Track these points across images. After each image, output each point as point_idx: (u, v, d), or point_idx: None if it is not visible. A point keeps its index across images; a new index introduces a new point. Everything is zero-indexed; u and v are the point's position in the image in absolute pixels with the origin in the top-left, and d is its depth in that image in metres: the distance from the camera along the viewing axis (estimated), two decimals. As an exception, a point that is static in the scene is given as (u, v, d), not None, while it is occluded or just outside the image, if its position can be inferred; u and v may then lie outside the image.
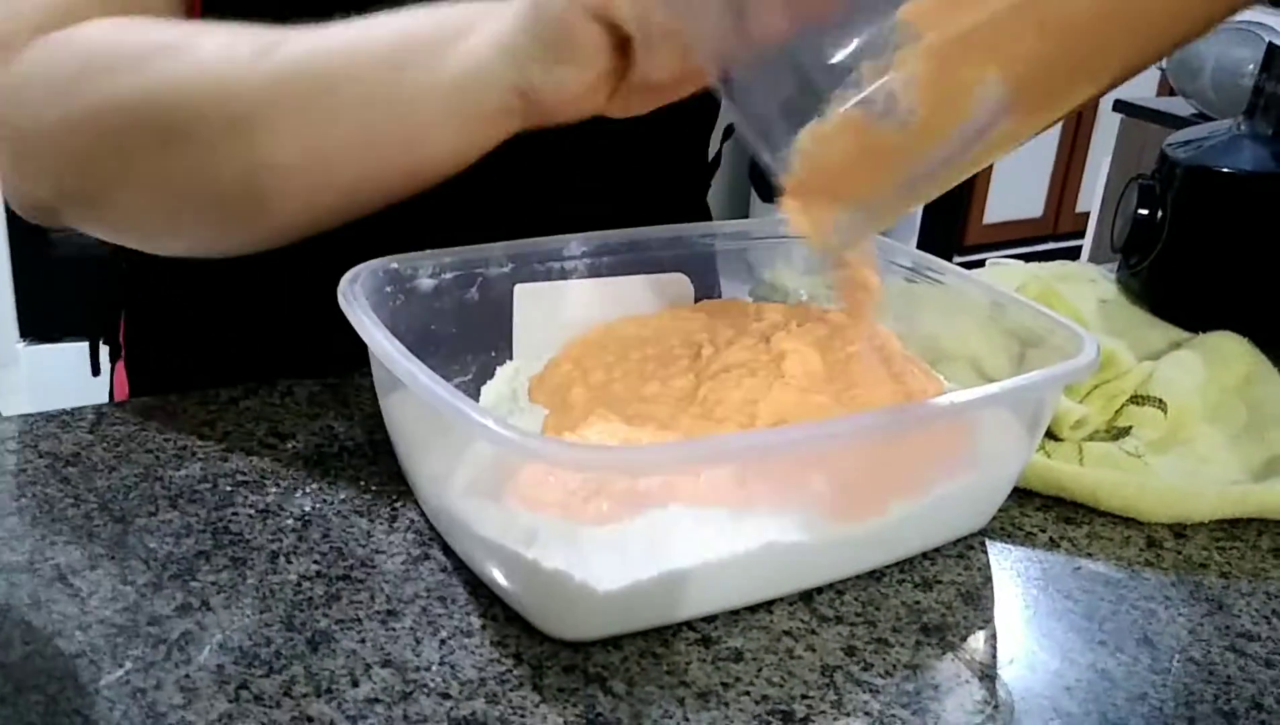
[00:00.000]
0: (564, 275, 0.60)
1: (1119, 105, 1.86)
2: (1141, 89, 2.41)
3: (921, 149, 0.42)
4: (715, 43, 0.44)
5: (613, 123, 0.53)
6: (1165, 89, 1.90)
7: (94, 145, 0.54)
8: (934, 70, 0.40)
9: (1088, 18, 0.40)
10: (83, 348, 2.23)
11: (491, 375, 0.58)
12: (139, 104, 0.53)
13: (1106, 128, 2.23)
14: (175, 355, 0.76)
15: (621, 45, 0.48)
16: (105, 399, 0.75)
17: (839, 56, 0.41)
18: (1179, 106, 1.77)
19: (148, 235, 0.59)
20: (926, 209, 3.35)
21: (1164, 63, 1.56)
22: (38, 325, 2.27)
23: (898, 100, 0.40)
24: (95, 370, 0.78)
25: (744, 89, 0.43)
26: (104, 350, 0.81)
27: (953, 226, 3.41)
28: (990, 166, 3.32)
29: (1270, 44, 0.83)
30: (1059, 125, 3.12)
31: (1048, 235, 3.66)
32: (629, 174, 0.73)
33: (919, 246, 0.62)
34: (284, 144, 0.52)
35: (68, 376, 2.22)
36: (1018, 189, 3.46)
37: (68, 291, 2.19)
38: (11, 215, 2.13)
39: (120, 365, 0.80)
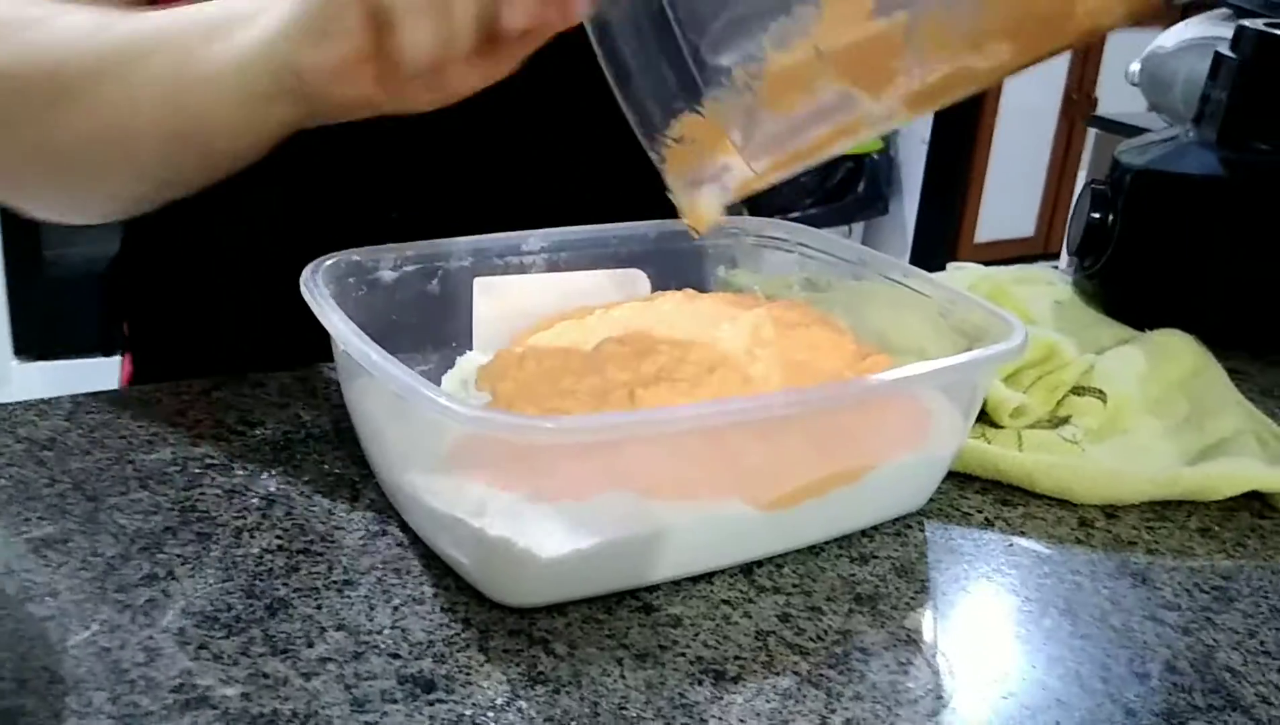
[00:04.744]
0: (523, 269, 0.62)
1: (1093, 120, 1.89)
2: (1127, 104, 2.44)
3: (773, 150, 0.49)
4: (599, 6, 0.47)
5: (609, 141, 0.54)
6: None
7: None
8: (770, 92, 0.46)
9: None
10: (76, 365, 2.24)
11: (452, 365, 0.61)
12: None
13: (1094, 147, 2.26)
14: (173, 351, 0.79)
15: (377, 25, 0.49)
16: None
17: (723, 60, 0.45)
18: (1155, 121, 1.80)
19: (10, 196, 0.63)
20: (917, 228, 3.38)
21: (1136, 78, 1.59)
22: (32, 343, 2.29)
23: (753, 114, 0.46)
24: (109, 352, 0.83)
25: (629, 73, 0.47)
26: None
27: (943, 245, 3.44)
28: (981, 184, 3.34)
29: (1216, 53, 0.86)
30: (1050, 144, 3.15)
31: (1039, 254, 3.68)
32: (623, 195, 0.76)
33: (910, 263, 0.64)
34: (97, 114, 0.56)
35: (61, 394, 2.24)
36: (1009, 208, 3.49)
37: (62, 310, 2.22)
38: (6, 234, 2.16)
39: (127, 358, 0.83)
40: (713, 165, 0.49)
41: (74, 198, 0.63)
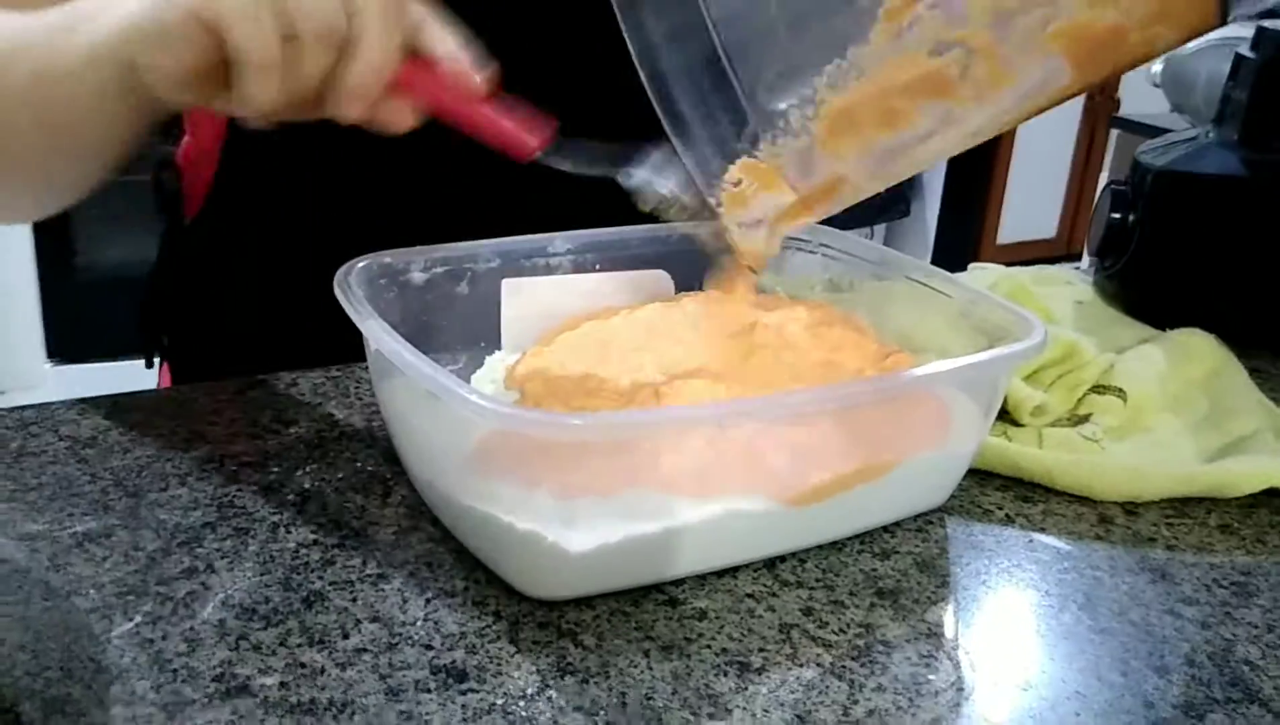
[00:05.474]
0: (549, 271, 0.63)
1: (1115, 121, 1.89)
2: (1150, 105, 2.44)
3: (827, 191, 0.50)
4: (659, 65, 0.49)
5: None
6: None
7: None
8: (827, 134, 0.48)
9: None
10: (108, 368, 2.27)
11: (481, 365, 0.62)
12: None
13: (1114, 147, 2.25)
14: (212, 358, 0.81)
15: (217, 49, 0.50)
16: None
17: (779, 104, 0.47)
18: (1178, 122, 1.80)
19: None
20: (939, 229, 3.38)
21: (1158, 79, 1.59)
22: (65, 346, 2.33)
23: (809, 156, 0.48)
24: (149, 364, 0.85)
25: (687, 124, 0.48)
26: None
27: (965, 247, 3.44)
28: (1003, 186, 3.33)
29: (1237, 54, 0.86)
30: (1072, 145, 3.15)
31: (1061, 256, 3.67)
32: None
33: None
34: None
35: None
36: (1031, 209, 3.48)
37: (94, 313, 2.25)
38: (39, 239, 2.20)
39: (165, 367, 0.85)
40: (768, 206, 0.50)
41: None
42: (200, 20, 0.49)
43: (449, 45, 0.52)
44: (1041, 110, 0.48)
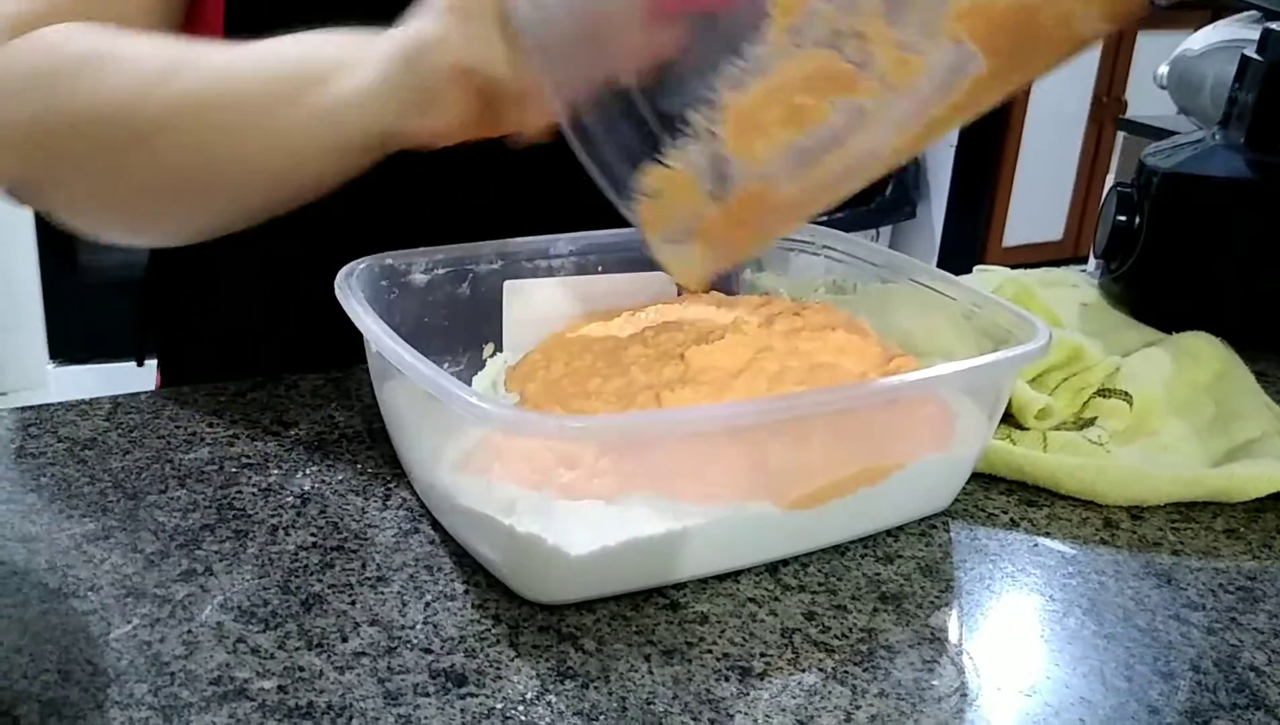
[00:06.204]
0: (551, 272, 0.63)
1: (1122, 123, 1.89)
2: (1156, 107, 2.43)
3: (747, 201, 0.48)
4: (569, 91, 0.48)
5: None
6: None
7: (36, 144, 0.59)
8: (734, 136, 0.46)
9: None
10: (111, 369, 2.26)
11: (482, 367, 0.62)
12: (70, 112, 0.58)
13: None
14: (207, 359, 0.80)
15: (484, 96, 0.51)
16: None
17: (679, 107, 0.46)
18: (1185, 124, 1.79)
19: (89, 224, 0.64)
20: (945, 232, 3.38)
21: (1164, 81, 1.59)
22: (67, 347, 2.33)
23: (723, 162, 0.46)
24: (140, 362, 0.85)
25: (591, 136, 0.47)
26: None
27: (971, 250, 3.43)
28: (1009, 188, 3.32)
29: (1243, 55, 0.86)
30: (1079, 147, 3.13)
31: (1068, 258, 3.66)
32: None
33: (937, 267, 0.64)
34: (177, 154, 0.57)
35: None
36: (1037, 212, 3.47)
37: (97, 314, 2.25)
38: (42, 240, 2.20)
39: (158, 367, 0.85)
40: (692, 219, 0.49)
41: (147, 226, 0.65)
42: (463, 71, 0.50)
43: None
44: (974, 107, 0.45)
